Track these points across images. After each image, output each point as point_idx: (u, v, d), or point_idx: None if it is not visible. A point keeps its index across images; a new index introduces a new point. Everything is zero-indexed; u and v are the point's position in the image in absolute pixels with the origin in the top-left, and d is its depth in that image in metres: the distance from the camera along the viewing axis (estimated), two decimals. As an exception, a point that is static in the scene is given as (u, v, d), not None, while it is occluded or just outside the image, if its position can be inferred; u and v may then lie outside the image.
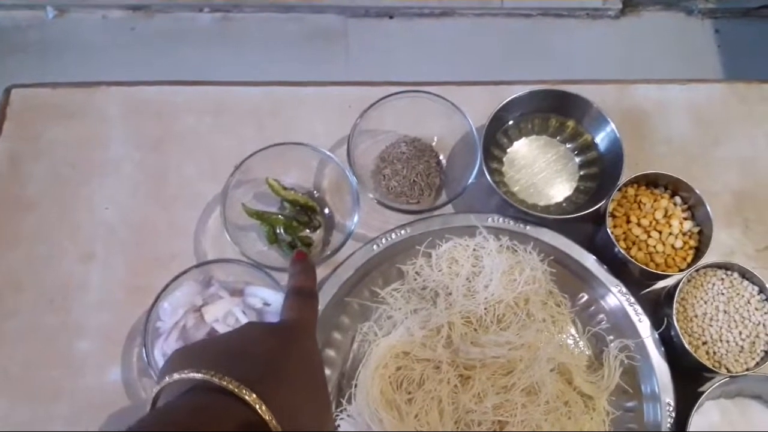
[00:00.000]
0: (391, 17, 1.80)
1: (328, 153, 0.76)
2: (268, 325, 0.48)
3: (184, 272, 0.69)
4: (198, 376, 0.37)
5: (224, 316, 0.68)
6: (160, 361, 0.67)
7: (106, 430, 0.71)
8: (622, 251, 0.71)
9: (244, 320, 0.68)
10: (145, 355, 0.67)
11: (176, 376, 0.38)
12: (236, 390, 0.36)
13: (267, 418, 0.36)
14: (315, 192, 0.80)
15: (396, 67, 1.73)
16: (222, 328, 0.68)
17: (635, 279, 0.74)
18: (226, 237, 0.72)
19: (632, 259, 0.71)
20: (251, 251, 0.75)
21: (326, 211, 0.80)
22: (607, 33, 1.81)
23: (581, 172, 0.81)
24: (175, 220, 0.80)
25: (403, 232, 0.75)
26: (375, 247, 0.74)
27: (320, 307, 0.71)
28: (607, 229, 0.72)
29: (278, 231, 0.76)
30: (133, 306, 0.75)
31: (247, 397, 0.36)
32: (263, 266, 0.70)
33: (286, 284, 0.53)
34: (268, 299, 0.69)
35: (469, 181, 0.76)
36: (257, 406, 0.36)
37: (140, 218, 0.80)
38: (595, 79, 0.88)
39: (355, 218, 0.74)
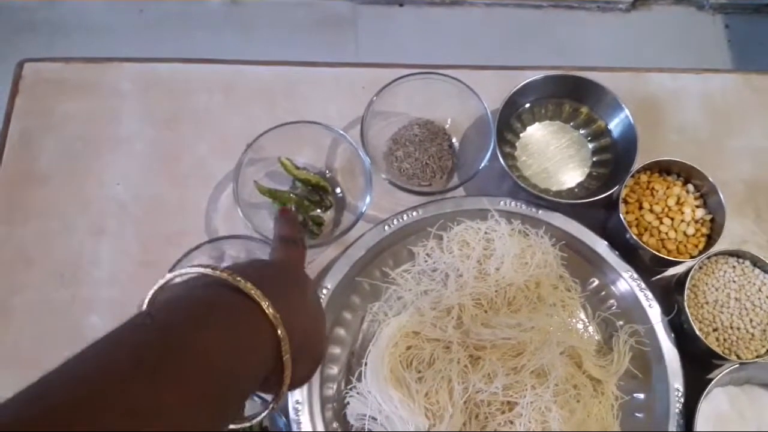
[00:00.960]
0: (401, 5, 1.79)
1: (342, 132, 0.76)
2: (261, 259, 0.50)
3: (197, 247, 0.69)
4: (195, 269, 0.38)
5: (236, 292, 0.68)
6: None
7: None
8: (634, 237, 0.71)
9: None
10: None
11: (169, 275, 0.38)
12: (231, 278, 0.37)
13: (270, 311, 0.37)
14: (327, 172, 0.80)
15: (405, 55, 1.72)
16: (233, 304, 0.68)
17: (646, 265, 0.74)
18: (238, 214, 0.72)
19: (644, 245, 0.71)
20: (262, 228, 0.75)
21: (338, 191, 0.79)
22: (618, 26, 1.80)
23: (594, 158, 0.81)
24: (186, 197, 0.80)
25: (414, 213, 0.75)
26: (386, 228, 0.74)
27: (331, 286, 0.71)
28: (620, 215, 0.72)
29: (289, 209, 0.76)
30: (143, 281, 0.73)
31: (252, 293, 0.37)
32: (275, 243, 0.70)
33: (273, 234, 0.54)
34: (280, 276, 0.69)
35: (482, 164, 0.76)
36: (257, 298, 0.37)
37: (151, 194, 0.80)
38: (609, 67, 0.88)
39: (368, 199, 0.73)
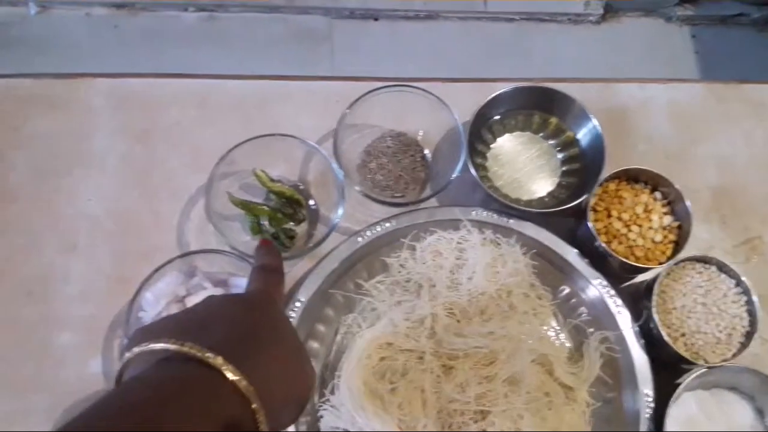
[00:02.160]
0: (376, 19, 1.81)
1: (315, 145, 0.77)
2: (233, 295, 0.47)
3: (168, 262, 0.69)
4: (158, 346, 0.35)
5: (208, 306, 0.67)
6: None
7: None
8: (603, 245, 0.72)
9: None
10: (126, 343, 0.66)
11: (136, 349, 0.36)
12: (199, 354, 0.34)
13: (235, 378, 0.35)
14: (300, 185, 0.81)
15: (381, 69, 1.72)
16: (206, 318, 0.67)
17: (616, 272, 0.76)
18: (209, 228, 0.72)
19: (613, 253, 0.72)
20: (235, 241, 0.75)
21: (311, 203, 0.80)
22: (589, 38, 1.83)
23: (563, 168, 0.83)
24: (158, 212, 0.79)
25: (388, 224, 0.76)
26: (360, 239, 0.74)
27: (304, 299, 0.71)
28: (588, 223, 0.73)
29: (262, 222, 0.76)
30: (115, 297, 0.75)
31: (211, 361, 0.34)
32: (247, 256, 0.70)
33: (253, 264, 0.52)
34: (253, 289, 0.69)
35: (454, 175, 0.77)
36: (222, 368, 0.34)
37: (123, 210, 0.80)
38: (578, 78, 0.89)
39: (340, 210, 0.74)
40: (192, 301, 0.68)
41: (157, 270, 0.69)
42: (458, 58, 1.77)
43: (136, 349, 0.36)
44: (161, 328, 0.39)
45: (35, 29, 1.75)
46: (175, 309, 0.68)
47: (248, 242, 0.76)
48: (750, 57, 1.84)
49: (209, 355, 0.35)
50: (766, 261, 0.81)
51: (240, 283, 0.70)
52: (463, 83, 0.89)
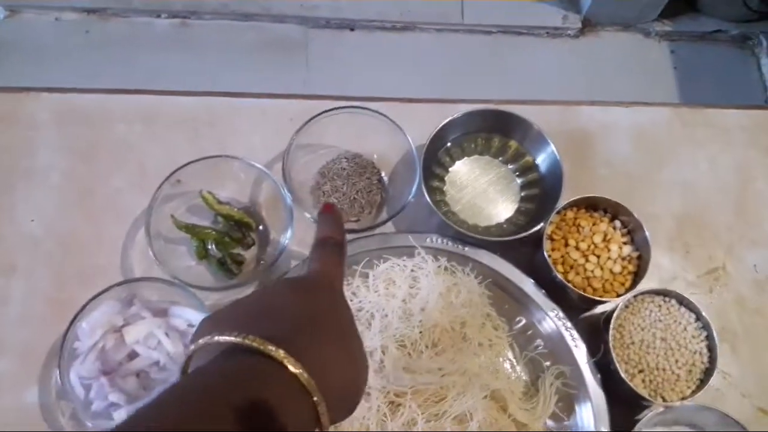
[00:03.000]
0: (352, 29, 1.78)
1: (263, 168, 0.74)
2: (294, 279, 0.46)
3: (105, 291, 0.66)
4: (222, 338, 0.36)
5: (145, 337, 0.65)
6: (76, 385, 0.64)
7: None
8: (559, 276, 0.70)
9: (166, 342, 0.65)
10: (59, 378, 0.63)
11: (201, 342, 0.37)
12: (261, 347, 0.35)
13: (297, 371, 0.35)
14: (251, 206, 0.78)
15: (356, 79, 1.71)
16: (143, 351, 0.65)
17: (574, 303, 0.73)
18: (150, 253, 0.69)
19: (569, 284, 0.70)
20: (179, 266, 0.72)
21: (260, 227, 0.77)
22: (567, 52, 1.81)
23: (522, 193, 0.80)
24: (102, 233, 0.76)
25: (338, 251, 0.73)
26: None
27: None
28: (544, 253, 0.71)
29: (209, 246, 0.73)
30: (55, 322, 0.71)
31: (273, 354, 0.35)
32: (189, 285, 0.67)
33: (314, 234, 0.50)
34: (193, 320, 0.66)
35: (408, 199, 0.74)
36: (284, 360, 0.35)
37: (66, 230, 0.76)
38: (539, 100, 0.87)
39: (288, 235, 0.71)
40: (130, 331, 0.65)
41: (93, 299, 0.65)
42: (434, 69, 1.75)
43: (201, 341, 0.37)
44: (227, 318, 0.40)
45: (3, 33, 1.71)
46: (111, 339, 0.65)
47: (193, 267, 0.74)
48: (728, 73, 1.83)
49: (271, 348, 0.35)
50: (729, 291, 0.80)
51: (181, 313, 0.67)
52: (424, 104, 0.87)
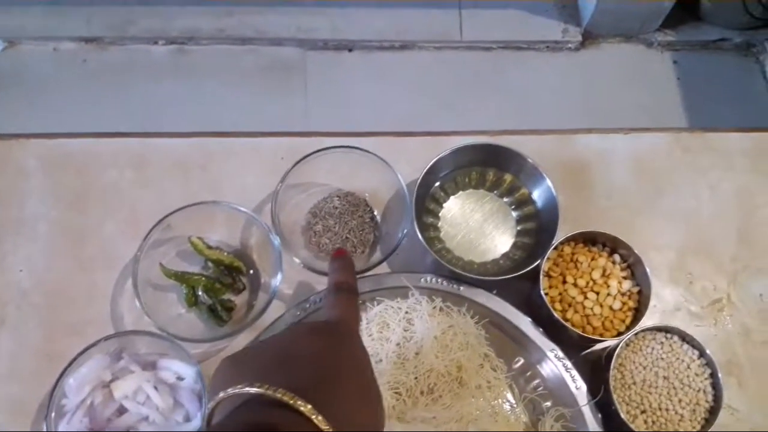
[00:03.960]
0: (350, 50, 1.77)
1: (250, 212, 0.73)
2: (314, 325, 0.47)
3: (92, 345, 0.65)
4: (252, 390, 0.37)
5: (134, 392, 0.63)
6: (63, 443, 0.62)
7: None
8: (555, 315, 0.68)
9: (155, 397, 0.63)
10: (46, 436, 0.62)
11: (231, 391, 0.37)
12: (291, 402, 0.36)
13: (324, 428, 0.36)
14: (242, 250, 0.77)
15: (356, 101, 1.70)
16: (131, 406, 0.63)
17: (573, 341, 0.71)
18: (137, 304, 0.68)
19: (567, 324, 0.68)
20: (169, 315, 0.71)
21: (251, 272, 0.76)
22: (568, 65, 1.79)
23: (519, 227, 0.79)
24: (92, 283, 0.75)
25: (331, 294, 0.71)
26: (298, 312, 0.70)
27: (239, 380, 0.67)
28: (541, 292, 0.69)
29: (199, 293, 0.72)
30: (45, 376, 0.70)
31: (302, 409, 0.36)
32: (177, 338, 0.66)
33: (327, 281, 0.53)
34: (182, 373, 0.65)
35: (400, 238, 0.73)
36: (313, 417, 0.36)
37: (56, 281, 0.76)
38: (535, 129, 0.86)
39: (277, 281, 0.70)
40: (118, 386, 0.64)
41: (80, 354, 0.64)
42: (434, 88, 1.73)
43: (230, 391, 0.37)
44: (250, 365, 0.41)
45: (2, 65, 1.71)
46: (99, 395, 0.64)
47: (183, 315, 0.73)
48: (733, 82, 1.80)
49: (300, 403, 0.36)
50: (734, 322, 0.77)
51: (169, 365, 0.65)
52: (418, 137, 0.85)
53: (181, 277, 0.72)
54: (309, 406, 0.36)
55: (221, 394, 0.38)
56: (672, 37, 1.82)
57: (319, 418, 0.36)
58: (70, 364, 0.64)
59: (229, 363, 0.42)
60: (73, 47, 1.73)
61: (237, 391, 0.37)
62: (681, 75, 1.79)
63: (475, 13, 1.79)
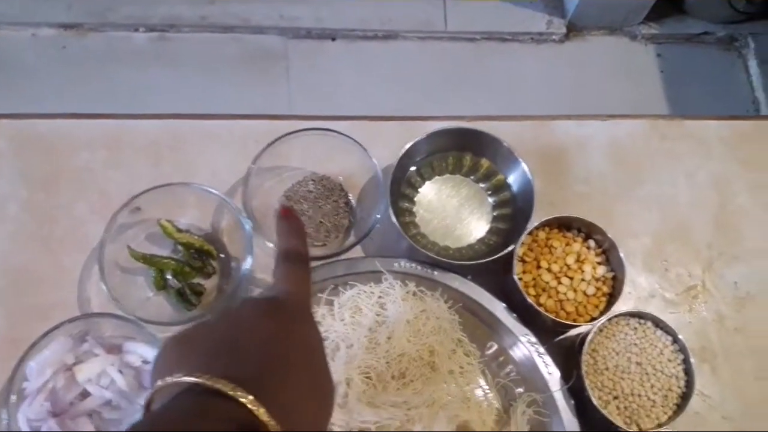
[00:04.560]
0: (333, 39, 1.76)
1: (221, 195, 0.72)
2: (262, 303, 0.43)
3: (55, 328, 0.63)
4: (191, 379, 0.35)
5: (98, 375, 0.62)
6: (24, 427, 0.61)
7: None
8: (528, 300, 0.68)
9: (120, 381, 0.62)
10: (6, 420, 0.61)
11: (170, 379, 0.36)
12: (231, 393, 0.34)
13: (265, 419, 0.34)
14: (212, 234, 0.75)
15: (339, 90, 1.70)
16: (95, 390, 0.62)
17: (547, 326, 0.71)
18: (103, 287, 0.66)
19: (540, 309, 0.68)
20: (137, 298, 0.70)
21: (222, 255, 0.74)
22: (552, 57, 1.79)
23: (495, 213, 0.78)
24: (60, 265, 0.74)
25: (302, 278, 0.70)
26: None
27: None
28: (514, 277, 0.68)
29: (168, 276, 0.71)
30: (7, 360, 0.67)
31: (243, 400, 0.34)
32: (144, 321, 0.65)
33: (276, 245, 0.48)
34: (148, 357, 0.64)
35: (374, 222, 0.72)
36: (255, 409, 0.34)
37: (22, 263, 0.74)
38: (512, 115, 0.85)
39: (248, 263, 0.69)
40: (81, 369, 0.62)
41: (42, 337, 0.63)
42: (417, 78, 1.73)
43: (169, 380, 0.36)
44: (191, 350, 0.38)
45: (-22, 50, 1.69)
46: (62, 379, 0.62)
47: (151, 298, 0.71)
48: (716, 75, 1.81)
49: (240, 394, 0.34)
50: (709, 309, 0.77)
51: (135, 349, 0.64)
52: (394, 121, 0.84)
53: (149, 260, 0.70)
54: (250, 397, 0.34)
55: (159, 383, 0.36)
56: (656, 30, 1.82)
57: (261, 410, 0.34)
58: (31, 347, 0.63)
59: (172, 344, 0.40)
60: (52, 33, 1.71)
61: (176, 379, 0.35)
62: (664, 68, 1.80)
63: (460, 4, 1.79)
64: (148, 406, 0.37)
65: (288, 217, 0.50)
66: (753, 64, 1.79)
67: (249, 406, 0.34)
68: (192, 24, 1.72)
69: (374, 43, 1.76)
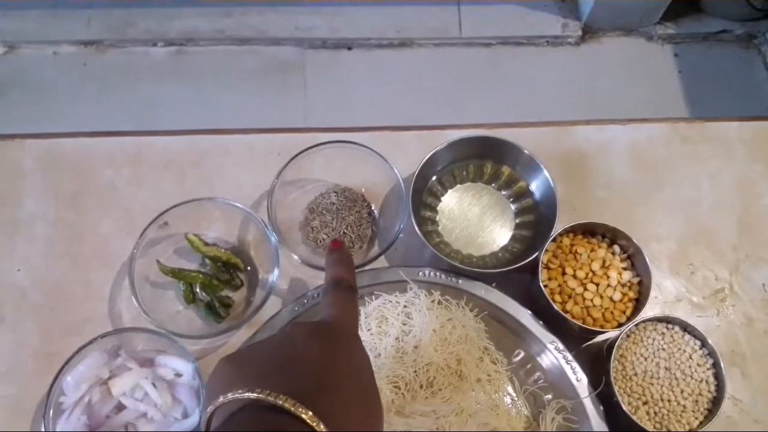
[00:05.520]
0: (349, 48, 1.77)
1: (245, 208, 0.73)
2: (311, 327, 0.45)
3: (89, 343, 0.65)
4: (253, 395, 0.36)
5: (132, 389, 0.63)
6: (61, 441, 0.62)
7: None
8: (555, 307, 0.68)
9: (153, 394, 0.63)
10: (44, 435, 0.62)
11: (231, 396, 0.37)
12: (292, 409, 0.35)
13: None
14: (239, 247, 0.76)
15: (356, 99, 1.70)
16: (130, 403, 0.63)
17: (574, 333, 0.71)
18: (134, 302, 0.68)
19: (567, 316, 0.68)
20: (167, 312, 0.71)
21: (249, 268, 0.75)
22: (568, 60, 1.79)
23: (518, 220, 0.78)
24: (89, 282, 0.75)
25: (328, 289, 0.71)
26: (297, 307, 0.70)
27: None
28: (540, 284, 0.69)
29: (196, 290, 0.72)
30: (43, 375, 0.70)
31: (304, 416, 0.35)
32: (174, 334, 0.66)
33: (324, 276, 0.51)
34: (180, 370, 0.65)
35: (397, 233, 0.73)
36: (314, 424, 0.35)
37: (53, 280, 0.75)
38: (532, 122, 0.85)
39: (274, 277, 0.70)
40: (116, 383, 0.63)
41: (78, 352, 0.64)
42: (435, 85, 1.73)
43: (230, 396, 0.37)
44: (248, 368, 0.39)
45: (2, 69, 1.72)
46: (97, 393, 0.63)
47: (181, 312, 0.72)
48: (735, 74, 1.79)
49: (301, 410, 0.35)
50: (737, 312, 0.77)
51: (167, 362, 0.65)
52: (414, 131, 0.85)
53: (178, 273, 0.72)
54: (310, 413, 0.35)
55: (221, 399, 0.37)
56: (672, 29, 1.81)
57: (321, 426, 0.35)
58: (67, 362, 0.64)
59: (226, 364, 0.41)
60: (73, 50, 1.73)
61: (237, 396, 0.36)
62: (682, 68, 1.78)
63: (474, 9, 1.79)
64: (208, 424, 0.38)
65: (339, 248, 0.53)
66: (773, 61, 1.77)
67: (309, 421, 0.35)
68: (209, 37, 1.74)
69: (389, 51, 1.77)
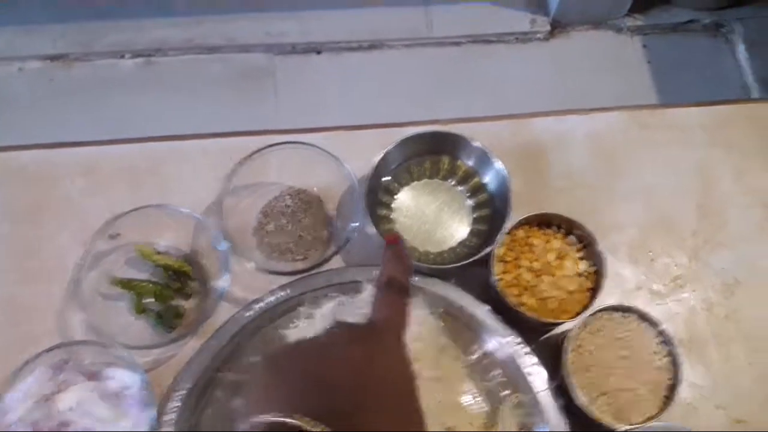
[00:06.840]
0: (318, 52, 1.76)
1: (196, 215, 0.72)
2: (357, 330, 0.43)
3: (34, 358, 0.63)
4: (293, 422, 0.35)
5: (78, 403, 0.62)
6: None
7: None
8: (508, 300, 0.67)
9: (99, 407, 0.62)
10: (-10, 453, 0.61)
11: (270, 418, 0.36)
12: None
13: None
14: (191, 255, 0.75)
15: (327, 103, 1.70)
16: (77, 418, 0.62)
17: (533, 325, 0.70)
18: (96, 308, 0.67)
19: (522, 309, 0.67)
20: (118, 323, 0.70)
21: (201, 276, 0.74)
22: (538, 55, 1.79)
23: (474, 215, 0.77)
24: (43, 295, 0.74)
25: (282, 293, 0.70)
26: (248, 312, 0.69)
27: (188, 385, 0.65)
28: (493, 278, 0.68)
29: (146, 300, 0.71)
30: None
31: None
32: (127, 346, 0.64)
33: (379, 272, 0.48)
34: (128, 382, 0.63)
35: (351, 232, 0.72)
36: None
37: (6, 296, 0.74)
38: (489, 116, 0.84)
39: (225, 284, 0.69)
40: (61, 398, 0.62)
41: (21, 367, 0.63)
42: (407, 85, 1.73)
43: (270, 418, 0.36)
44: (287, 377, 0.38)
45: (-35, 86, 1.70)
46: (43, 409, 0.62)
47: (132, 322, 0.71)
48: (704, 63, 1.80)
49: None
50: (696, 298, 0.76)
51: (115, 374, 0.64)
52: (370, 129, 0.84)
53: (127, 284, 0.70)
54: None
55: (261, 419, 0.36)
56: (641, 21, 1.81)
57: None
58: (12, 378, 0.62)
59: (270, 369, 0.40)
60: (39, 66, 1.72)
61: (275, 419, 0.36)
62: (651, 59, 1.79)
63: (444, 9, 1.79)
64: None
65: (396, 241, 0.51)
66: (741, 50, 1.77)
67: None
68: (177, 47, 1.73)
69: (360, 54, 1.77)
